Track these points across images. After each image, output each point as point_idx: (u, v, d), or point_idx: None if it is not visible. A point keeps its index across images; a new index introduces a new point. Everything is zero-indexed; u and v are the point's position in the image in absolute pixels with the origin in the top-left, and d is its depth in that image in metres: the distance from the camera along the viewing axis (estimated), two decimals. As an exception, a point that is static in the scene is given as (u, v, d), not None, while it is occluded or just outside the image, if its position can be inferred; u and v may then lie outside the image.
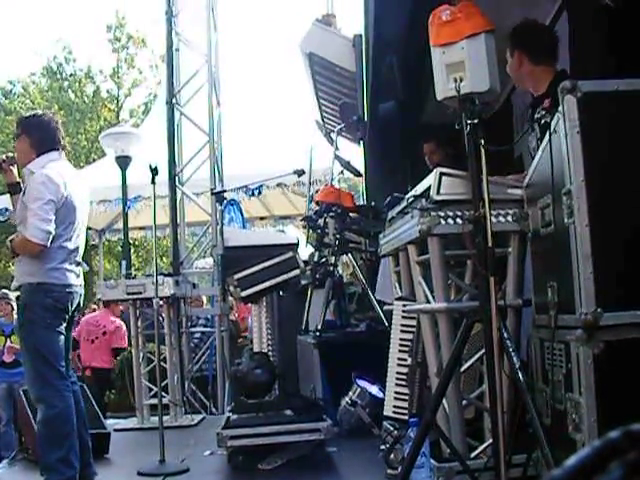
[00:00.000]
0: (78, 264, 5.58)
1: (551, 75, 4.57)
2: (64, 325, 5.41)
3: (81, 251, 5.66)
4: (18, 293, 5.67)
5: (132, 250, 27.52)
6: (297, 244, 6.75)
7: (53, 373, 5.23)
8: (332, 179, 9.67)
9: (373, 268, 8.21)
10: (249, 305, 7.92)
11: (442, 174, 4.07)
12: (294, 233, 12.93)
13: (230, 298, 8.92)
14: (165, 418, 6.71)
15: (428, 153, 7.40)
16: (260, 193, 13.00)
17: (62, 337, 5.36)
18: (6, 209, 5.91)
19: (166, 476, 5.60)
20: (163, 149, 10.08)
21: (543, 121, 4.43)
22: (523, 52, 4.63)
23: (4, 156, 5.79)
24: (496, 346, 3.54)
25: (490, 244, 3.58)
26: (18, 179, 5.69)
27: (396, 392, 4.86)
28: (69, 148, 32.11)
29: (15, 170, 5.72)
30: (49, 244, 5.18)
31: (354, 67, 10.48)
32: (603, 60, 5.12)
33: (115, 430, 7.33)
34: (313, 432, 5.65)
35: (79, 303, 5.64)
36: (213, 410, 9.58)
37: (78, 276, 5.57)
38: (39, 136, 5.53)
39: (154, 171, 6.07)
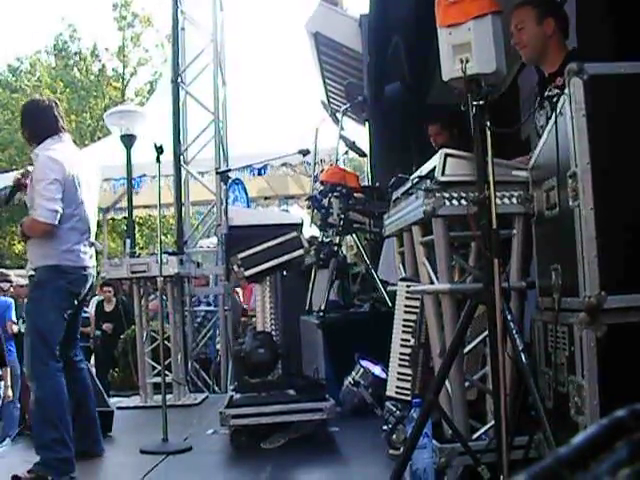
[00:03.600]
0: (92, 245, 5.60)
1: (564, 52, 4.54)
2: (73, 308, 5.44)
3: (93, 231, 5.67)
4: (30, 272, 5.68)
5: (136, 229, 27.60)
6: (301, 224, 6.75)
7: (47, 353, 5.22)
8: (337, 159, 9.68)
9: (377, 249, 8.22)
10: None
11: (447, 155, 4.05)
12: (298, 213, 12.92)
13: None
14: (168, 397, 6.74)
15: (433, 134, 7.39)
16: (265, 172, 13.01)
17: (65, 321, 5.37)
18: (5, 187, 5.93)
19: (169, 454, 5.63)
20: (168, 128, 10.09)
21: (555, 99, 4.40)
22: (555, 21, 4.56)
23: (19, 173, 5.83)
24: (499, 328, 3.54)
25: (494, 226, 3.57)
26: None
27: (399, 373, 4.86)
28: (74, 126, 32.26)
29: None
30: (57, 222, 5.19)
31: (360, 47, 10.45)
32: (610, 43, 5.09)
33: (118, 408, 7.37)
34: (315, 412, 5.67)
35: (92, 284, 5.67)
36: (216, 389, 9.62)
37: (91, 257, 5.60)
38: (39, 124, 5.53)
39: (159, 150, 6.06)
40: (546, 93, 4.55)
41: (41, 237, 5.27)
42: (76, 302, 5.47)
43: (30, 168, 5.69)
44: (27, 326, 5.38)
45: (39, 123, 5.53)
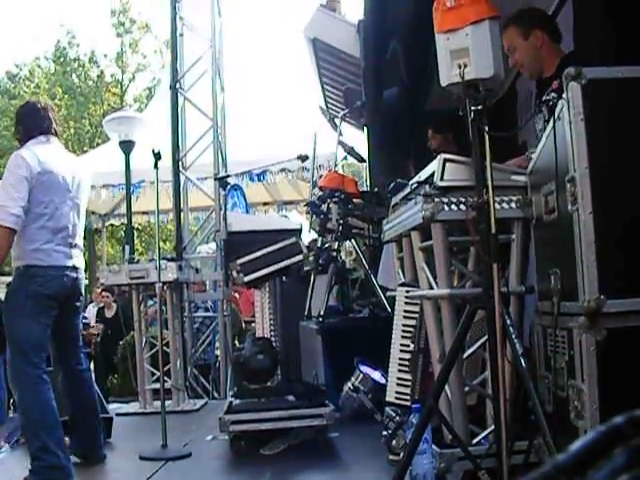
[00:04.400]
0: (72, 245, 5.53)
1: (559, 56, 4.56)
2: (53, 312, 5.33)
3: (75, 232, 5.57)
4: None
5: (135, 235, 27.59)
6: (300, 229, 6.76)
7: (25, 362, 5.14)
8: (336, 165, 9.68)
9: (376, 254, 8.21)
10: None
11: (446, 160, 4.06)
12: (297, 218, 12.94)
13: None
14: (167, 403, 6.74)
15: (429, 139, 7.43)
16: (264, 178, 13.01)
17: (43, 326, 5.27)
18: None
19: (168, 460, 5.62)
20: (167, 134, 10.10)
21: (551, 103, 4.41)
22: (542, 31, 4.59)
23: None
24: (499, 333, 3.53)
25: (493, 231, 3.57)
26: None
27: (398, 378, 4.86)
28: (72, 132, 32.28)
29: None
30: (17, 228, 5.14)
31: (358, 53, 10.46)
32: (608, 47, 5.10)
33: (117, 414, 7.36)
34: (315, 417, 5.67)
35: (78, 288, 5.62)
36: (215, 395, 9.61)
37: (71, 257, 5.48)
38: (27, 123, 5.51)
39: (157, 156, 6.06)
40: (544, 97, 4.56)
41: (15, 239, 5.22)
42: (55, 304, 5.34)
43: None
44: (6, 337, 5.31)
45: (27, 124, 5.49)
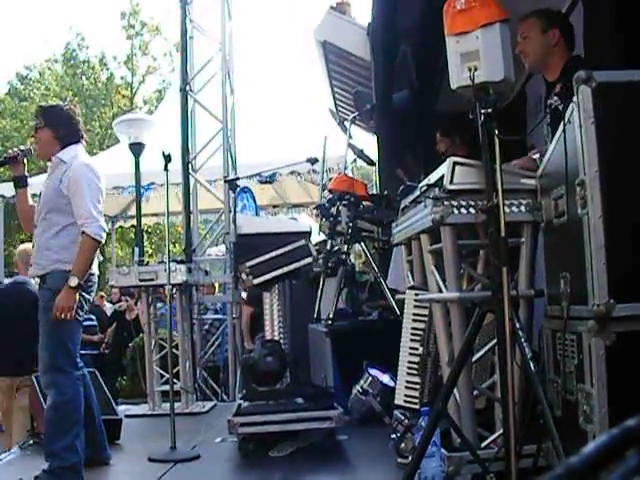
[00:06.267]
0: None
1: (564, 61, 4.56)
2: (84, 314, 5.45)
3: None
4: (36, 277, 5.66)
5: (145, 237, 27.62)
6: (310, 232, 6.75)
7: (69, 361, 5.24)
8: (345, 167, 9.67)
9: (385, 257, 8.21)
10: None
11: (455, 163, 4.06)
12: (307, 221, 12.93)
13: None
14: (176, 405, 6.74)
15: (437, 142, 7.44)
16: (273, 182, 13.01)
17: (81, 327, 5.41)
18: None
19: (177, 462, 5.62)
20: (177, 136, 10.10)
21: (554, 106, 4.42)
22: (561, 31, 4.59)
23: (21, 148, 5.79)
24: (508, 336, 3.53)
25: (503, 234, 3.57)
26: (26, 173, 5.69)
27: (407, 381, 4.86)
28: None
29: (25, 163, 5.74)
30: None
31: (368, 56, 10.46)
32: (618, 50, 5.10)
33: (126, 416, 7.36)
34: (324, 420, 5.66)
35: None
36: (224, 397, 9.61)
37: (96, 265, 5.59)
38: (65, 129, 5.49)
39: (167, 158, 6.07)
40: (548, 102, 4.57)
41: (61, 244, 5.27)
42: (87, 308, 5.46)
43: (23, 147, 5.77)
44: (44, 335, 5.31)
45: (68, 128, 5.48)
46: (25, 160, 5.70)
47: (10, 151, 5.79)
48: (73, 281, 5.15)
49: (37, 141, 5.63)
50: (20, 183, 5.67)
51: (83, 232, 5.20)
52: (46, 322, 5.29)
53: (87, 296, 5.37)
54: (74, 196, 5.24)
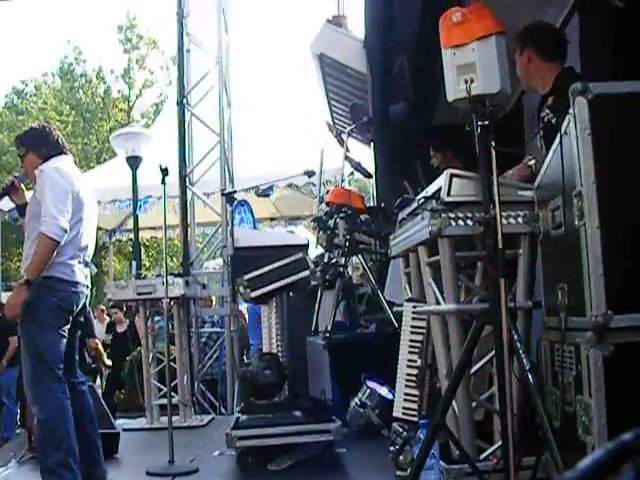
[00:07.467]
0: (87, 264, 5.56)
1: (554, 74, 4.58)
2: (67, 326, 5.35)
3: (90, 251, 5.63)
4: None
5: (142, 250, 27.60)
6: (307, 245, 6.74)
7: (49, 375, 5.17)
8: (342, 180, 9.67)
9: (383, 269, 8.21)
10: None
11: (453, 175, 4.06)
12: (304, 234, 12.93)
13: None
14: (174, 418, 6.73)
15: (432, 157, 7.49)
16: (270, 195, 13.02)
17: (64, 339, 5.31)
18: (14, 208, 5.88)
19: (175, 476, 5.61)
20: (174, 149, 10.11)
21: (546, 119, 4.43)
22: (532, 49, 4.65)
23: (15, 175, 5.82)
24: (506, 348, 3.53)
25: (500, 246, 3.57)
26: (27, 200, 5.68)
27: (406, 393, 4.86)
28: (80, 148, 32.36)
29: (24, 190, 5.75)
30: (62, 242, 5.17)
31: (365, 68, 10.48)
32: (614, 62, 5.11)
33: (124, 430, 7.34)
34: (322, 433, 5.65)
35: (85, 304, 5.61)
36: (222, 411, 9.60)
37: (86, 276, 5.53)
38: (45, 147, 5.54)
39: (164, 171, 6.08)
40: (541, 114, 4.58)
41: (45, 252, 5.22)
42: (69, 319, 5.36)
43: (17, 174, 5.79)
44: (24, 349, 5.29)
45: (43, 145, 5.51)
46: (22, 185, 5.72)
47: (6, 180, 5.82)
48: (22, 278, 5.14)
49: (26, 168, 5.67)
50: (23, 212, 5.64)
51: (40, 231, 5.14)
52: (24, 336, 5.28)
53: (63, 305, 5.29)
54: (42, 199, 5.23)
